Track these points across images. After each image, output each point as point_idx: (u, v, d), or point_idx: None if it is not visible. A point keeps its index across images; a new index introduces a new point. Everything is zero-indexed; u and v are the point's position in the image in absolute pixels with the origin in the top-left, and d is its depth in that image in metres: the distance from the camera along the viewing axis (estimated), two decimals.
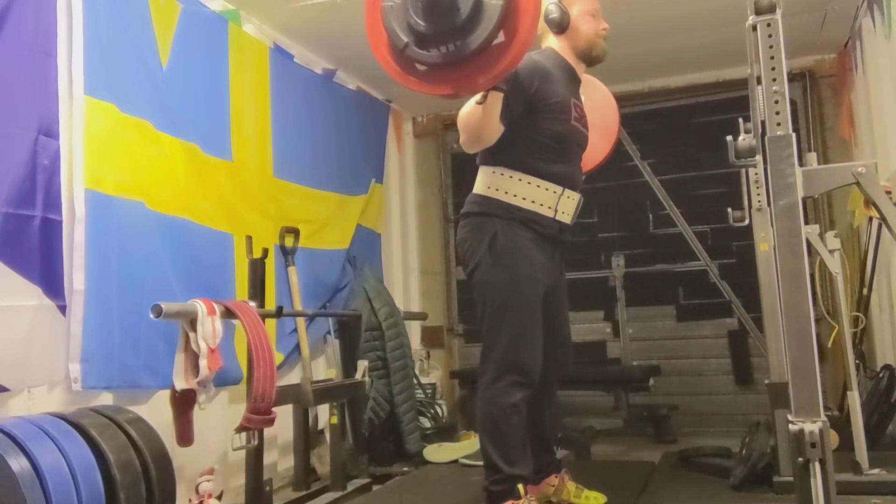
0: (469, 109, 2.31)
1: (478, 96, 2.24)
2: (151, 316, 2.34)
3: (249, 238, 3.14)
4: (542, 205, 2.48)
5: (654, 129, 4.96)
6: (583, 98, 2.69)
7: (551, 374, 2.62)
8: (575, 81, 2.65)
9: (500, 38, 2.02)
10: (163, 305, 2.35)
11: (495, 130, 2.34)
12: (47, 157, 2.51)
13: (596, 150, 2.90)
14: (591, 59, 2.68)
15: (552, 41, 2.64)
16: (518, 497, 2.38)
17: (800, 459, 1.55)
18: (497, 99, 2.25)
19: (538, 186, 2.48)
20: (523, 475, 2.43)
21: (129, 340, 2.72)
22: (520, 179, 2.48)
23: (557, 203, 2.51)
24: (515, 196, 2.47)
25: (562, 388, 2.89)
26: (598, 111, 2.89)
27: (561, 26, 2.59)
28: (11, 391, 2.36)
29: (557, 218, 2.52)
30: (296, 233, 3.65)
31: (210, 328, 2.45)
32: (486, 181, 2.53)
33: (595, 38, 2.64)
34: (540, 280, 2.49)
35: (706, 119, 4.82)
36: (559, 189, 2.51)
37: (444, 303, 5.36)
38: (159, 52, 3.06)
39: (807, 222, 1.96)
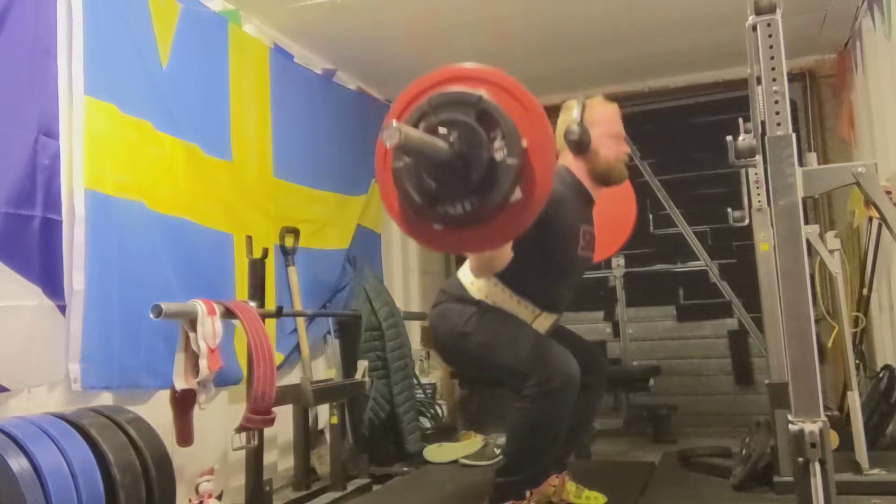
0: None
1: None
2: (151, 316, 2.33)
3: (249, 238, 3.13)
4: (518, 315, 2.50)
5: (654, 129, 4.96)
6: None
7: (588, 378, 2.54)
8: (588, 204, 2.60)
9: (518, 195, 1.97)
10: (163, 305, 2.35)
11: (507, 259, 2.34)
12: (47, 157, 2.51)
13: (607, 246, 2.85)
14: (608, 183, 2.61)
15: (569, 159, 2.57)
16: (522, 499, 2.39)
17: (800, 459, 1.54)
18: None
19: (518, 303, 2.49)
20: (537, 479, 2.43)
21: (129, 340, 2.72)
22: (503, 290, 2.48)
23: (533, 321, 2.52)
24: (493, 303, 2.49)
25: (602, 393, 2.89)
26: (615, 204, 2.82)
27: (580, 148, 2.53)
28: (11, 391, 2.36)
29: None
30: (296, 233, 3.65)
31: (210, 328, 2.45)
32: (473, 280, 2.51)
33: (615, 162, 2.57)
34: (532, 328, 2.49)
35: (706, 119, 4.82)
36: (538, 310, 2.52)
37: None
38: (159, 52, 3.06)
39: (807, 222, 1.96)
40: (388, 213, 2.18)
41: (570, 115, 2.58)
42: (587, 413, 2.71)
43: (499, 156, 1.96)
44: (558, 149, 2.53)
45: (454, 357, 2.64)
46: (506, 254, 2.31)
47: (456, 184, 1.98)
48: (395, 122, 1.78)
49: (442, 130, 1.97)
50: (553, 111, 5.56)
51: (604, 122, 2.57)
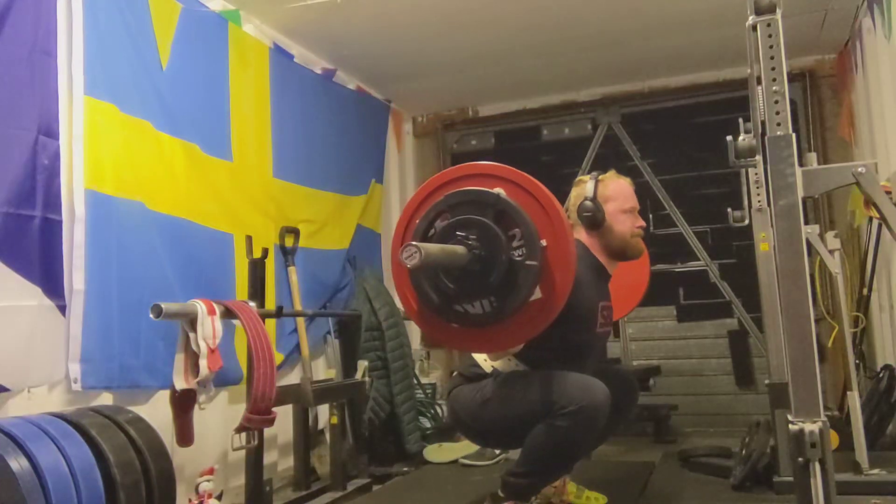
0: None
1: None
2: (151, 316, 2.33)
3: (249, 238, 3.13)
4: None
5: (654, 129, 4.97)
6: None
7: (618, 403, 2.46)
8: (604, 279, 2.58)
9: (538, 294, 1.97)
10: (163, 305, 2.34)
11: (522, 342, 2.28)
12: (47, 157, 2.51)
13: (620, 307, 2.82)
14: (624, 258, 2.58)
15: (583, 234, 2.54)
16: (525, 501, 2.39)
17: (800, 459, 1.54)
18: None
19: None
20: (546, 484, 2.43)
21: (129, 340, 2.72)
22: (517, 366, 2.41)
23: None
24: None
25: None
26: (629, 267, 2.77)
27: (594, 224, 2.51)
28: (11, 391, 2.36)
29: None
30: (296, 233, 3.65)
31: (210, 328, 2.45)
32: (486, 357, 2.45)
33: (630, 237, 2.54)
34: None
35: (706, 119, 4.82)
36: None
37: None
38: (159, 52, 3.06)
39: (807, 222, 1.96)
40: (405, 309, 2.18)
41: (584, 190, 2.55)
42: (609, 431, 2.65)
43: (517, 256, 1.97)
44: (572, 223, 2.49)
45: (481, 431, 2.51)
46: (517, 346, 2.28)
47: (474, 284, 1.98)
48: (413, 243, 1.78)
49: (459, 233, 1.98)
50: (553, 111, 5.60)
51: (617, 197, 2.54)
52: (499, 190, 2.01)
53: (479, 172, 2.09)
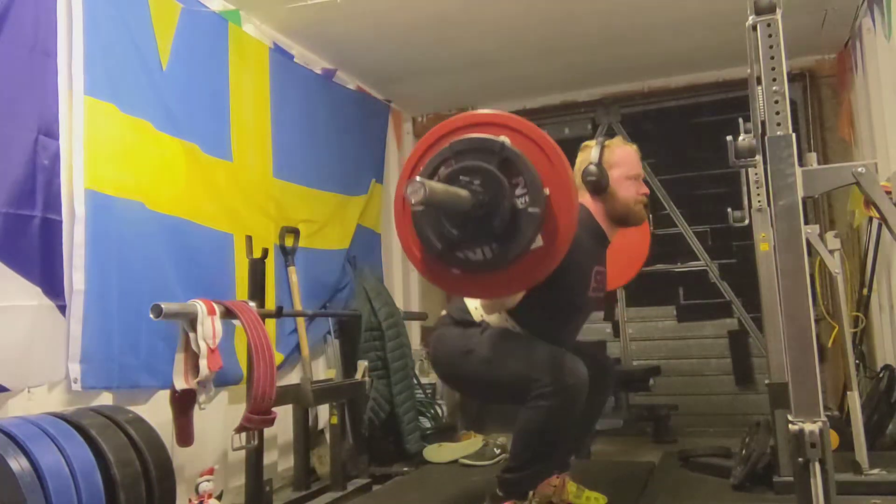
0: None
1: None
2: (151, 316, 2.33)
3: (249, 238, 3.13)
4: None
5: (654, 129, 4.96)
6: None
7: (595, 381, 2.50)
8: (603, 245, 2.60)
9: (539, 242, 1.98)
10: (163, 305, 2.35)
11: (517, 298, 2.32)
12: (47, 157, 2.51)
13: (618, 277, 2.84)
14: (626, 224, 2.61)
15: (587, 199, 2.55)
16: (524, 499, 2.39)
17: (800, 459, 1.54)
18: None
19: None
20: (542, 476, 2.43)
21: (129, 340, 2.72)
22: (506, 321, 2.45)
23: None
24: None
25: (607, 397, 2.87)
26: (629, 238, 2.80)
27: (598, 189, 2.52)
28: (11, 391, 2.36)
29: None
30: (296, 233, 3.65)
31: (210, 328, 2.45)
32: (478, 306, 2.48)
33: (634, 204, 2.57)
34: None
35: (706, 119, 4.82)
36: None
37: (444, 303, 5.36)
38: (159, 52, 3.06)
39: (807, 222, 1.96)
40: (407, 257, 2.17)
41: (589, 155, 2.57)
42: (591, 415, 2.70)
43: (521, 203, 1.97)
44: (577, 185, 2.48)
45: (457, 379, 2.58)
46: (517, 293, 2.30)
47: (477, 231, 1.98)
48: (418, 178, 1.77)
49: (463, 178, 1.97)
50: (553, 111, 5.59)
51: (623, 163, 2.56)
52: (504, 138, 2.00)
53: (483, 121, 2.08)
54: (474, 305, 2.50)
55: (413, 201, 1.75)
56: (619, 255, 2.72)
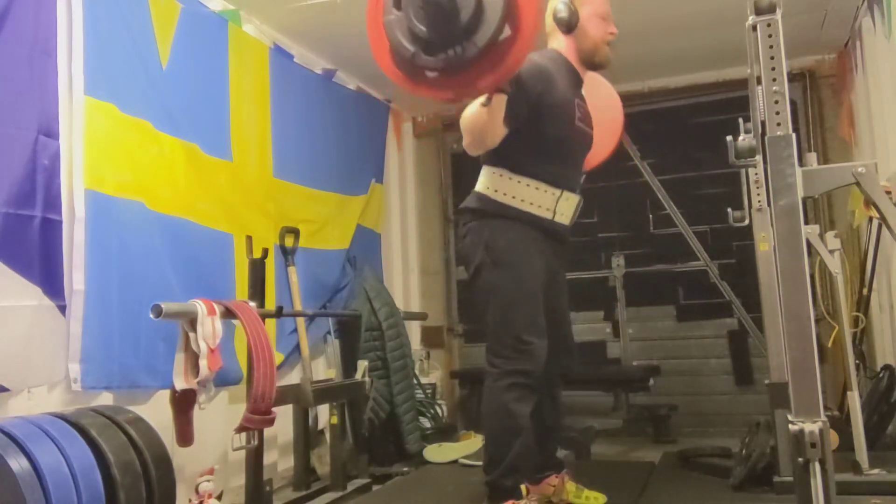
0: (473, 112, 2.30)
1: (482, 98, 2.22)
2: (151, 316, 2.34)
3: (249, 238, 3.13)
4: (539, 206, 2.49)
5: (654, 129, 4.96)
6: (585, 95, 2.68)
7: (554, 368, 2.61)
8: (578, 82, 2.64)
9: (507, 32, 1.99)
10: (163, 305, 2.35)
11: (499, 133, 2.34)
12: (47, 157, 2.51)
13: (600, 148, 2.89)
14: (593, 64, 2.65)
15: (558, 41, 2.62)
16: (520, 496, 2.39)
17: (800, 459, 1.54)
18: (501, 101, 2.24)
19: (537, 189, 2.49)
20: (525, 472, 2.43)
21: (129, 340, 2.72)
22: (518, 182, 2.48)
23: (556, 205, 2.52)
24: (514, 198, 2.48)
25: (562, 388, 2.88)
26: (603, 109, 2.87)
27: (569, 26, 2.56)
28: (11, 391, 2.36)
29: (556, 219, 2.52)
30: (296, 233, 3.65)
31: (210, 328, 2.45)
32: (487, 182, 2.54)
33: (601, 42, 2.61)
34: (539, 275, 2.50)
35: (706, 119, 4.82)
36: (558, 191, 2.51)
37: (443, 303, 5.36)
38: (159, 52, 3.06)
39: (807, 222, 1.96)
40: (382, 69, 2.17)
41: None
42: (555, 403, 2.72)
43: None
44: (548, 32, 2.61)
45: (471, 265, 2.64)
46: (498, 127, 2.32)
47: (446, 27, 2.00)
48: None
49: None
50: None
51: (593, 1, 2.60)
52: None
53: None
54: (483, 186, 2.54)
55: None
56: (599, 116, 2.75)
